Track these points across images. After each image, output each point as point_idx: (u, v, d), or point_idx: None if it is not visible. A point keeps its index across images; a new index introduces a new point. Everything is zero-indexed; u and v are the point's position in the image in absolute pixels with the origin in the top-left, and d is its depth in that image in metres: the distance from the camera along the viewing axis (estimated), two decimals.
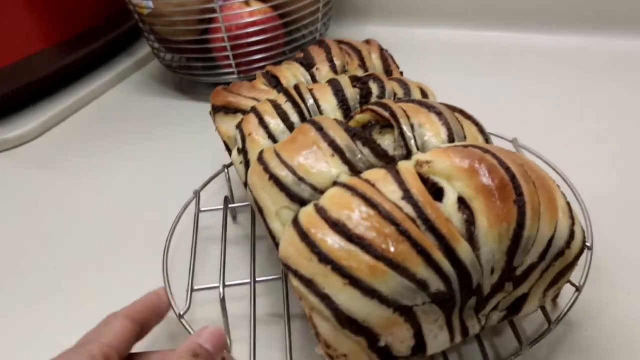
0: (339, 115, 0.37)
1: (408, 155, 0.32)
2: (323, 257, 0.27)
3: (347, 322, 0.26)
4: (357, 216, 0.27)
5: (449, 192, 0.28)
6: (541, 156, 0.44)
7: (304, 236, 0.28)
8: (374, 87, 0.38)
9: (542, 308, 0.34)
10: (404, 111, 0.33)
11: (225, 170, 0.48)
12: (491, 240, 0.27)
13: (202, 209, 0.45)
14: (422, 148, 0.32)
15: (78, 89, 0.73)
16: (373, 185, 0.28)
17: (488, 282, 0.28)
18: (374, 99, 0.38)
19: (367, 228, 0.27)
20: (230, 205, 0.45)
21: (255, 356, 0.34)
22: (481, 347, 0.32)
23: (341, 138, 0.32)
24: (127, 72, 0.78)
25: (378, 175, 0.29)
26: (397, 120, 0.33)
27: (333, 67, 0.42)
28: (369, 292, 0.26)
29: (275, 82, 0.43)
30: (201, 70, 0.68)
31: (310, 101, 0.37)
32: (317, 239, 0.27)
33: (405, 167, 0.29)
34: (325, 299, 0.27)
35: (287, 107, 0.37)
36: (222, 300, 0.36)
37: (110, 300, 0.42)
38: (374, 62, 0.44)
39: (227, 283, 0.37)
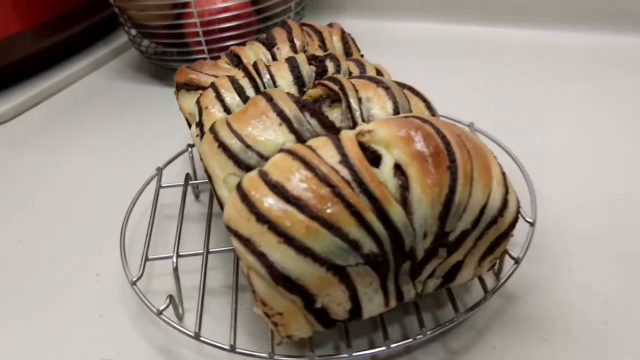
0: (294, 90, 0.38)
1: (354, 126, 0.33)
2: (260, 217, 0.28)
3: (281, 279, 0.27)
4: (295, 178, 0.28)
5: (386, 159, 0.29)
6: (495, 139, 0.45)
7: (245, 198, 0.29)
8: (330, 66, 0.39)
9: (481, 279, 0.35)
10: (353, 85, 0.34)
11: (189, 149, 0.49)
12: (424, 205, 0.28)
13: (163, 184, 0.46)
14: (367, 120, 0.33)
15: (54, 74, 0.73)
16: (314, 151, 0.29)
17: (421, 247, 0.29)
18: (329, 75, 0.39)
19: (304, 190, 0.28)
20: (190, 182, 0.46)
21: (202, 324, 0.35)
22: (418, 315, 0.33)
23: (290, 108, 0.33)
24: (105, 59, 0.79)
25: (320, 142, 0.30)
26: (345, 94, 0.34)
27: (293, 47, 0.43)
28: (303, 250, 0.27)
29: (237, 61, 0.44)
30: (176, 57, 0.68)
31: (267, 77, 0.38)
32: (256, 199, 0.28)
33: (347, 135, 0.30)
34: (261, 256, 0.27)
35: (244, 82, 0.38)
36: (175, 270, 0.37)
37: (70, 266, 0.43)
38: (335, 44, 0.45)
39: (181, 254, 0.38)
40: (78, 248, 0.45)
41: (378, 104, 0.34)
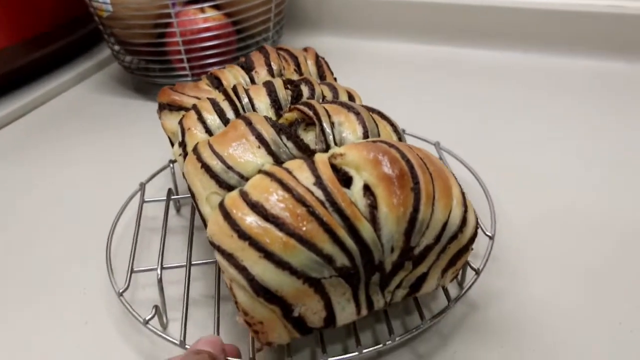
0: (271, 113, 0.41)
1: (327, 149, 0.36)
2: (242, 234, 0.30)
3: (261, 291, 0.30)
4: (273, 198, 0.31)
5: (357, 180, 0.32)
6: (459, 158, 0.48)
7: (227, 216, 0.31)
8: (304, 90, 0.42)
9: (445, 289, 0.38)
10: (326, 111, 0.37)
11: (171, 165, 0.51)
12: (390, 222, 0.31)
13: (146, 199, 0.48)
14: (339, 143, 0.36)
15: (38, 87, 0.75)
16: (290, 173, 0.32)
17: (389, 260, 0.32)
18: (304, 100, 0.42)
19: (281, 209, 0.30)
20: (173, 197, 0.48)
21: (186, 332, 0.37)
22: (388, 322, 0.36)
23: (267, 132, 0.35)
24: (89, 73, 0.81)
25: (295, 165, 0.33)
26: (318, 119, 0.36)
27: (270, 71, 0.46)
28: (281, 264, 0.30)
29: (217, 83, 0.46)
30: (158, 73, 0.71)
31: (246, 100, 0.41)
32: (238, 217, 0.31)
33: (320, 158, 0.33)
34: (243, 270, 0.30)
35: (225, 105, 0.41)
36: (160, 281, 0.39)
37: (56, 279, 0.45)
38: (310, 68, 0.48)
39: (165, 266, 0.40)
40: (64, 262, 0.46)
41: (349, 128, 0.36)
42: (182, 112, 0.44)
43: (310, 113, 0.37)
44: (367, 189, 0.31)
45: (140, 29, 0.65)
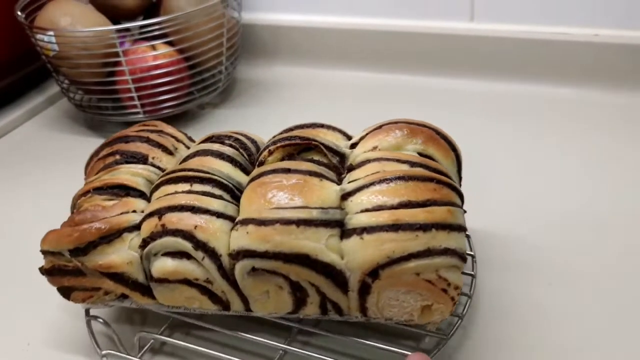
0: (239, 173, 0.40)
1: (342, 157, 0.39)
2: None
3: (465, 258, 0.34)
4: None
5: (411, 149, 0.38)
6: None
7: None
8: (245, 141, 0.42)
9: None
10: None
11: None
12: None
13: None
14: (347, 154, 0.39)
15: None
16: None
17: None
18: (250, 149, 0.42)
19: None
20: None
21: None
22: None
23: (312, 167, 0.37)
24: (39, 109, 0.79)
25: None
26: (314, 140, 0.39)
27: (167, 150, 0.44)
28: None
29: (122, 192, 0.40)
30: (110, 111, 0.69)
31: (215, 174, 0.38)
32: None
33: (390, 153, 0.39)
34: (446, 251, 0.33)
35: (207, 188, 0.37)
36: None
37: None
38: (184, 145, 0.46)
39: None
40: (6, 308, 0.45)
41: (333, 137, 0.41)
42: (127, 235, 0.37)
43: (303, 141, 0.39)
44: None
45: (88, 67, 0.63)
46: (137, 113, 0.66)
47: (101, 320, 0.41)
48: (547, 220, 0.49)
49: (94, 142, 0.70)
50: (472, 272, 0.41)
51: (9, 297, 0.47)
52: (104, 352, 0.39)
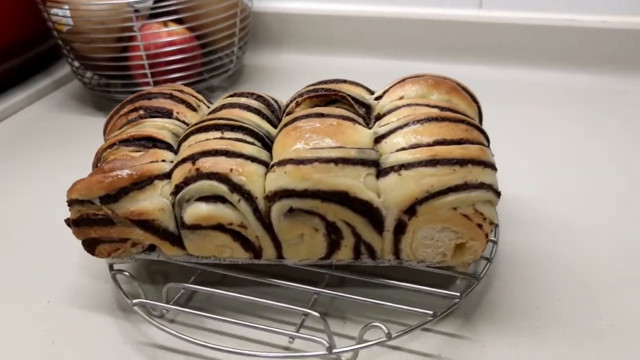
0: (266, 124, 0.40)
1: (367, 108, 0.39)
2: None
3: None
4: None
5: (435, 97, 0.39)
6: None
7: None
8: (268, 98, 0.44)
9: None
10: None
11: None
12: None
13: None
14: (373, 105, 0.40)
15: None
16: None
17: None
18: (273, 106, 0.43)
19: None
20: None
21: None
22: None
23: (346, 113, 0.38)
24: (46, 91, 0.79)
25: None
26: (341, 92, 0.39)
27: (190, 106, 0.44)
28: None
29: (148, 144, 0.40)
30: (119, 88, 0.69)
31: (245, 122, 0.39)
32: None
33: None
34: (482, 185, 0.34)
35: (238, 135, 0.38)
36: None
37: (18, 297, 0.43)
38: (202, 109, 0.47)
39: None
40: (24, 282, 0.45)
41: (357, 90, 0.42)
42: (158, 182, 0.37)
43: (330, 93, 0.39)
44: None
45: (102, 42, 0.64)
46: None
47: (127, 274, 0.41)
48: (567, 193, 0.50)
49: (101, 122, 0.70)
50: (494, 239, 0.42)
51: (26, 260, 0.47)
52: (135, 300, 0.38)
